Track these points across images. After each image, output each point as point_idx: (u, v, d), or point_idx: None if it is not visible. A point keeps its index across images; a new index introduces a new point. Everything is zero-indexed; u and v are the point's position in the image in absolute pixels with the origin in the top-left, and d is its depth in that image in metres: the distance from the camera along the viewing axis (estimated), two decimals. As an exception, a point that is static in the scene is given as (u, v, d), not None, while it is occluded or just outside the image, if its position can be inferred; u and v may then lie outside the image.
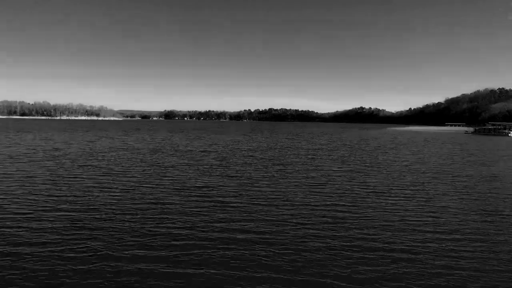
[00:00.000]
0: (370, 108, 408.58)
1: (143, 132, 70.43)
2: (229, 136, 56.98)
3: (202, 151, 30.01)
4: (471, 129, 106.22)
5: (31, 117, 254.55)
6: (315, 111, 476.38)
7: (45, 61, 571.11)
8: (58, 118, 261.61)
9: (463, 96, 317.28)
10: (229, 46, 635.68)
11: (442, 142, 48.77)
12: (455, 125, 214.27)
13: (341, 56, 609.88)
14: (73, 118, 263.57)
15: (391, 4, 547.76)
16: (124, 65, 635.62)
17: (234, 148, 34.35)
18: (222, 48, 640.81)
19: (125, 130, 79.82)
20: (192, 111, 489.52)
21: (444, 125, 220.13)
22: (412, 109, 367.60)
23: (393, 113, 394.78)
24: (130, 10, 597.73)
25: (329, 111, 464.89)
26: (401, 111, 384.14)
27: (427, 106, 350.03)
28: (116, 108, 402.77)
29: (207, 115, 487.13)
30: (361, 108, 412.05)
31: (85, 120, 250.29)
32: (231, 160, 24.70)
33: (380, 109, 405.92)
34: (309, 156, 27.76)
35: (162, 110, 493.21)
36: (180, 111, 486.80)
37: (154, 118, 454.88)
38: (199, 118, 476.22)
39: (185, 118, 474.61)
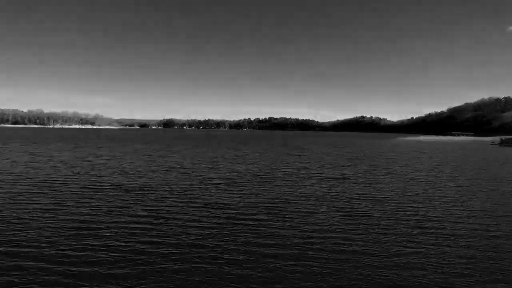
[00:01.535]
0: (371, 117, 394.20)
1: (103, 144, 55.54)
2: (214, 151, 42.15)
3: (141, 190, 15.15)
4: (497, 139, 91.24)
5: (23, 126, 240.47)
6: (315, 120, 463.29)
7: (42, 70, 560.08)
8: (51, 126, 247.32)
9: (467, 104, 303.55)
10: (228, 54, 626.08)
11: (502, 163, 33.64)
12: (462, 135, 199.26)
13: (342, 64, 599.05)
14: (66, 126, 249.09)
15: (393, 12, 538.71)
16: (124, 74, 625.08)
17: (208, 173, 19.57)
18: (222, 57, 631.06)
19: (78, 140, 64.84)
20: (191, 120, 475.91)
21: (451, 134, 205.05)
22: (414, 118, 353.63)
23: (394, 122, 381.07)
24: (126, 16, 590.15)
25: (329, 120, 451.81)
26: (402, 120, 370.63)
27: (429, 115, 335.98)
28: (116, 117, 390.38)
29: (207, 124, 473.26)
30: (362, 117, 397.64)
31: (78, 128, 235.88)
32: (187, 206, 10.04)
33: (381, 118, 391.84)
34: (328, 193, 13.08)
35: (162, 119, 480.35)
36: (179, 120, 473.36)
37: (153, 127, 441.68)
38: (198, 127, 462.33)
39: (184, 127, 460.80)
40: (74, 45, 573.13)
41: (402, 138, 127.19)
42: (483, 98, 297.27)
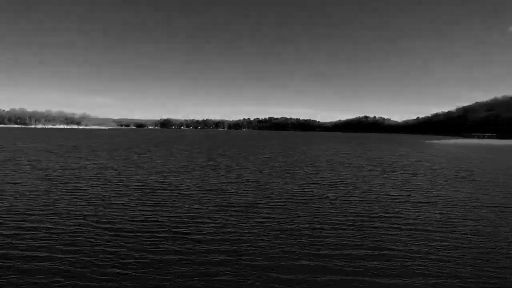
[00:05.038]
0: (375, 117, 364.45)
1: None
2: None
3: None
4: None
5: (2, 126, 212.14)
6: (317, 120, 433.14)
7: (42, 70, 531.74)
8: (32, 126, 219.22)
9: (478, 104, 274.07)
10: (228, 54, 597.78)
11: None
12: (484, 137, 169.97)
13: (342, 64, 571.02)
14: (49, 126, 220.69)
15: (393, 12, 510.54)
16: (124, 74, 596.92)
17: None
18: (222, 57, 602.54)
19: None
20: (190, 120, 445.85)
21: (470, 136, 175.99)
22: (420, 118, 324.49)
23: (398, 122, 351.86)
24: (126, 16, 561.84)
25: (331, 120, 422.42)
26: (407, 120, 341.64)
27: (436, 115, 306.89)
28: (116, 117, 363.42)
29: (205, 124, 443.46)
30: (365, 117, 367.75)
31: (61, 128, 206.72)
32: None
33: (385, 118, 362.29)
34: None
35: (159, 118, 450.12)
36: (177, 119, 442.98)
37: (150, 127, 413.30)
38: (196, 127, 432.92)
39: (182, 127, 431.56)
40: (74, 45, 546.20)
41: (435, 141, 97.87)
42: (496, 97, 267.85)
